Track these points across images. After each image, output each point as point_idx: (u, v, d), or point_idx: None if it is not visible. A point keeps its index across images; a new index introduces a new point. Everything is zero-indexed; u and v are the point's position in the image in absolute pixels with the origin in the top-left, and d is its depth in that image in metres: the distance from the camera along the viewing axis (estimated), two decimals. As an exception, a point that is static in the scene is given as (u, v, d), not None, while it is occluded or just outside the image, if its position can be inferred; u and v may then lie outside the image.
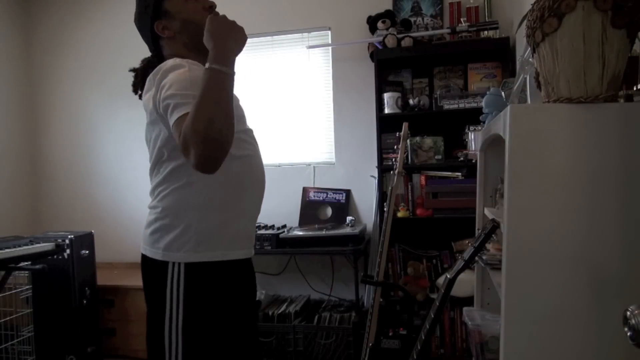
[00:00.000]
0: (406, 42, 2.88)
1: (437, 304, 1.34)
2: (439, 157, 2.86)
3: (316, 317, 2.86)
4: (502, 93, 1.63)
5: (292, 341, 2.78)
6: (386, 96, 2.92)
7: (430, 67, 3.03)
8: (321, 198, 3.25)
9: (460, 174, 2.77)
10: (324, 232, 2.85)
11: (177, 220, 1.27)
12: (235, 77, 1.13)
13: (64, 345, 2.84)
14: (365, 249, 3.03)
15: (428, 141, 2.87)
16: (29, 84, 3.76)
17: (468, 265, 1.26)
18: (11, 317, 2.76)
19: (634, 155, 0.91)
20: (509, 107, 0.98)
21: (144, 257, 1.35)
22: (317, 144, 3.34)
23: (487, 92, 1.88)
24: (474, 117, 2.35)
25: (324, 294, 3.23)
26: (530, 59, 1.23)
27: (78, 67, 3.68)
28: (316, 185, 3.29)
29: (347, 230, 2.86)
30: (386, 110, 2.92)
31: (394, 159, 2.19)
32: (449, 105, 2.82)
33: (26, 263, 2.47)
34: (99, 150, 3.67)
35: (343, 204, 3.22)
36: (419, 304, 2.79)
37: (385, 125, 2.90)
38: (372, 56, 3.00)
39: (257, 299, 2.68)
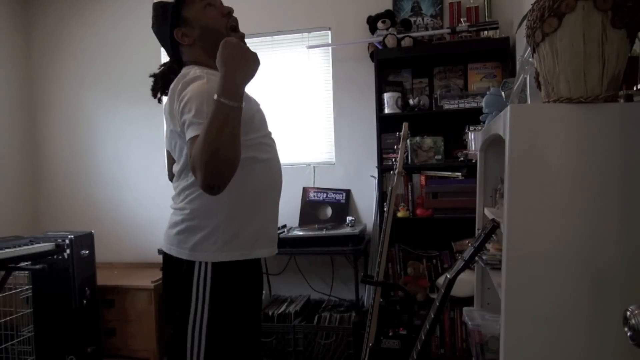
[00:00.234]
0: (406, 42, 2.88)
1: (437, 304, 1.34)
2: (439, 157, 2.86)
3: (316, 317, 2.86)
4: (502, 93, 1.63)
5: (292, 341, 2.78)
6: (386, 96, 2.92)
7: (430, 67, 3.03)
8: (321, 198, 3.25)
9: (460, 174, 2.77)
10: (324, 232, 2.85)
11: (206, 221, 1.32)
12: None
13: (64, 345, 2.84)
14: (365, 249, 3.03)
15: (428, 141, 2.87)
16: (29, 83, 3.76)
17: (468, 265, 1.26)
18: (11, 317, 2.76)
19: (634, 155, 0.91)
20: (509, 107, 0.98)
21: (167, 256, 1.38)
22: (317, 144, 3.34)
23: (487, 92, 1.88)
24: (474, 117, 2.35)
25: (324, 294, 3.23)
26: (530, 59, 1.23)
27: (78, 66, 3.68)
28: (316, 185, 3.29)
29: (347, 230, 2.86)
30: (386, 110, 2.92)
31: (394, 159, 2.19)
32: (449, 105, 2.82)
33: (26, 263, 2.47)
34: (99, 150, 3.67)
35: (343, 204, 3.22)
36: (419, 304, 2.79)
37: (385, 125, 2.90)
38: (372, 56, 3.00)
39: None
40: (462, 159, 2.75)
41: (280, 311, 2.88)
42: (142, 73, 3.52)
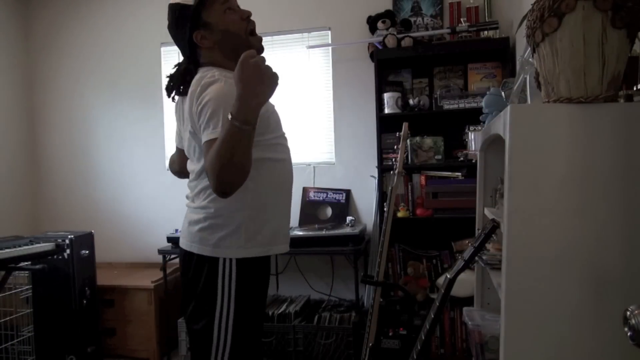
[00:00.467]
0: (406, 42, 2.88)
1: (437, 304, 1.34)
2: (439, 157, 2.86)
3: (316, 317, 2.86)
4: (502, 93, 1.63)
5: (292, 341, 2.78)
6: (386, 96, 2.92)
7: (430, 67, 3.03)
8: (321, 198, 3.25)
9: (460, 174, 2.77)
10: (324, 232, 2.85)
11: (230, 219, 1.37)
12: None
13: (64, 345, 2.84)
14: (365, 249, 3.03)
15: (428, 141, 2.87)
16: (29, 83, 3.76)
17: (468, 265, 1.25)
18: (11, 317, 2.76)
19: (634, 155, 0.91)
20: (509, 107, 0.98)
21: (188, 253, 1.42)
22: (317, 144, 3.34)
23: (487, 92, 1.88)
24: (474, 117, 2.35)
25: (324, 294, 3.23)
26: (530, 59, 1.23)
27: (78, 66, 3.68)
28: (316, 185, 3.29)
29: (347, 230, 2.86)
30: (386, 110, 2.92)
31: (394, 159, 2.19)
32: (449, 105, 2.82)
33: (26, 263, 2.47)
34: (99, 150, 3.67)
35: (343, 204, 3.22)
36: (419, 304, 2.79)
37: (385, 125, 2.90)
38: (372, 56, 3.00)
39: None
40: (462, 159, 2.75)
41: (280, 311, 2.88)
42: (142, 73, 3.55)
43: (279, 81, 1.19)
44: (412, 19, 3.05)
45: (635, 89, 1.03)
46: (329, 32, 3.27)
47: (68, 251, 2.79)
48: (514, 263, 0.95)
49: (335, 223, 3.10)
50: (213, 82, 1.31)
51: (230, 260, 1.37)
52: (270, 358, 2.81)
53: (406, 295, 2.70)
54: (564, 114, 0.94)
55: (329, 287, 3.24)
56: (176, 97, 1.52)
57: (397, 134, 2.15)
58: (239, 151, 1.15)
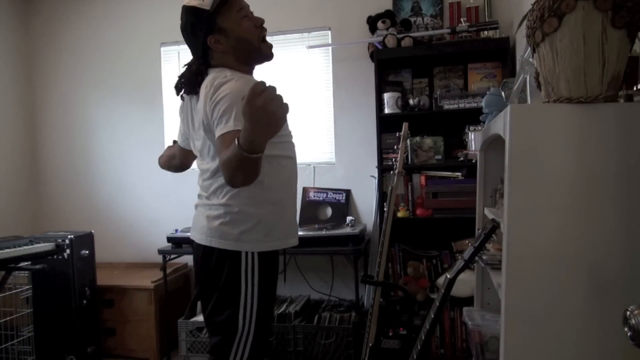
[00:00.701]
0: (406, 42, 2.88)
1: (437, 304, 1.34)
2: (439, 157, 2.86)
3: (316, 317, 2.86)
4: (502, 93, 1.63)
5: (292, 341, 2.78)
6: (386, 96, 2.92)
7: (430, 67, 3.03)
8: (321, 198, 3.25)
9: (460, 174, 2.77)
10: (324, 232, 2.85)
11: (250, 214, 1.44)
12: None
13: (64, 345, 2.84)
14: (365, 249, 3.03)
15: (428, 141, 2.87)
16: (29, 83, 3.76)
17: (468, 265, 1.26)
18: (11, 317, 2.76)
19: (634, 155, 0.91)
20: (509, 107, 0.98)
21: (207, 248, 1.47)
22: (317, 144, 3.34)
23: (487, 92, 1.88)
24: (474, 117, 2.35)
25: (324, 294, 3.23)
26: (530, 59, 1.23)
27: (78, 66, 3.68)
28: (316, 185, 3.29)
29: (347, 230, 2.86)
30: (386, 110, 2.92)
31: (394, 159, 2.19)
32: (449, 105, 2.82)
33: (26, 263, 2.46)
34: (99, 150, 3.67)
35: (343, 204, 3.22)
36: (419, 304, 2.79)
37: (385, 125, 2.90)
38: (372, 56, 3.00)
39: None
40: (462, 159, 2.75)
41: (280, 311, 2.88)
42: (142, 73, 3.55)
43: (286, 121, 1.17)
44: (412, 19, 3.05)
45: (635, 89, 1.03)
46: (329, 32, 3.27)
47: (68, 251, 2.79)
48: (514, 263, 0.95)
49: (335, 223, 3.10)
50: (226, 81, 1.36)
51: (252, 253, 1.44)
52: (270, 358, 2.81)
53: (406, 295, 2.70)
54: (564, 114, 0.94)
55: (329, 287, 3.24)
56: (184, 96, 1.56)
57: (397, 134, 2.15)
58: (247, 170, 1.20)
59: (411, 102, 2.91)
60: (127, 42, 3.55)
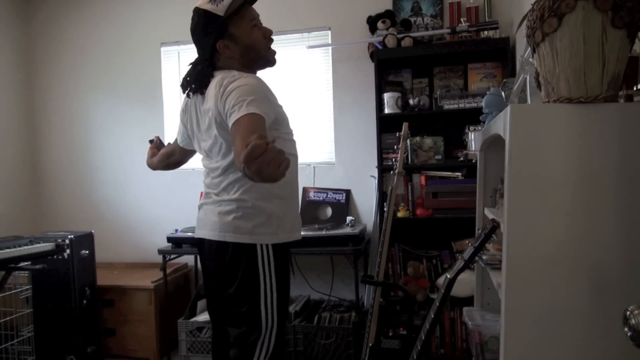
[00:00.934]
0: (406, 42, 2.88)
1: (437, 304, 1.34)
2: (439, 157, 2.86)
3: (316, 317, 2.86)
4: (502, 93, 1.63)
5: (292, 341, 2.78)
6: (386, 96, 2.92)
7: (430, 67, 3.03)
8: (321, 198, 3.25)
9: (460, 174, 2.77)
10: (324, 232, 2.85)
11: (262, 208, 1.50)
12: None
13: (64, 345, 2.84)
14: (365, 249, 3.03)
15: (428, 141, 2.87)
16: (29, 83, 3.76)
17: (468, 265, 1.25)
18: (11, 317, 2.76)
19: (634, 155, 0.91)
20: (509, 107, 0.98)
21: (221, 243, 1.51)
22: (317, 144, 3.34)
23: (487, 92, 1.88)
24: (474, 117, 2.35)
25: (324, 294, 3.23)
26: (530, 59, 1.23)
27: (78, 66, 3.68)
28: (316, 185, 3.29)
29: (347, 230, 2.85)
30: (386, 110, 2.92)
31: (394, 159, 2.19)
32: (449, 105, 2.82)
33: (26, 263, 2.46)
34: (99, 150, 3.67)
35: (343, 204, 3.22)
36: (419, 304, 2.79)
37: (385, 125, 2.90)
38: (372, 56, 3.00)
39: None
40: (462, 159, 2.75)
41: (280, 311, 2.88)
42: (142, 73, 3.55)
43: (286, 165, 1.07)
44: (412, 19, 3.05)
45: (635, 89, 1.03)
46: (329, 32, 3.27)
47: (68, 251, 2.79)
48: (514, 263, 0.95)
49: (335, 223, 3.10)
50: (236, 79, 1.42)
51: (267, 245, 1.49)
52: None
53: (406, 295, 2.70)
54: (564, 114, 0.94)
55: (329, 287, 3.24)
56: (190, 95, 1.60)
57: (397, 134, 2.15)
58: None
59: (411, 102, 2.91)
60: (127, 41, 3.55)
